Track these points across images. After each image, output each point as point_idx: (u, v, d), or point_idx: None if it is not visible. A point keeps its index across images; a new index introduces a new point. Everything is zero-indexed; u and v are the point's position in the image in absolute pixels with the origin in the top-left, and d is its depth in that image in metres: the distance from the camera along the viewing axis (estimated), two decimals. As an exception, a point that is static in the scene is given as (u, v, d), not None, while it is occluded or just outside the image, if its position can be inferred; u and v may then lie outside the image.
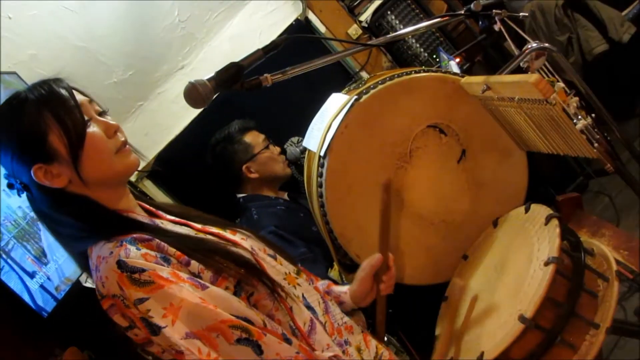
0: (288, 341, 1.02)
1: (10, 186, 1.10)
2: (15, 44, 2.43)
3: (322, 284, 1.37)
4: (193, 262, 1.02)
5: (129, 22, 2.61)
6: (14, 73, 2.25)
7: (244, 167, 2.33)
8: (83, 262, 1.08)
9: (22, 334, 1.31)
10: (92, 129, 1.07)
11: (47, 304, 1.57)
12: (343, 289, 1.37)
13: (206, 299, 0.97)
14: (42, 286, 1.56)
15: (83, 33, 2.54)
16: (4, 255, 1.45)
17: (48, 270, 1.60)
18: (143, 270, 0.96)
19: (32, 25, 2.44)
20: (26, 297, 1.50)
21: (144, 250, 0.99)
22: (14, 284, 1.48)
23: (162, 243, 1.02)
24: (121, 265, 0.96)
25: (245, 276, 1.06)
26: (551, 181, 2.73)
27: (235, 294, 1.03)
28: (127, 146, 1.12)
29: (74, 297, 1.03)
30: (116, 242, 1.01)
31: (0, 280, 1.35)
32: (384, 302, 1.32)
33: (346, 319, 1.23)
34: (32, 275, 1.54)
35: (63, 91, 1.07)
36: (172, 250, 1.02)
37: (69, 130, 1.04)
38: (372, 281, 1.31)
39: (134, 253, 0.98)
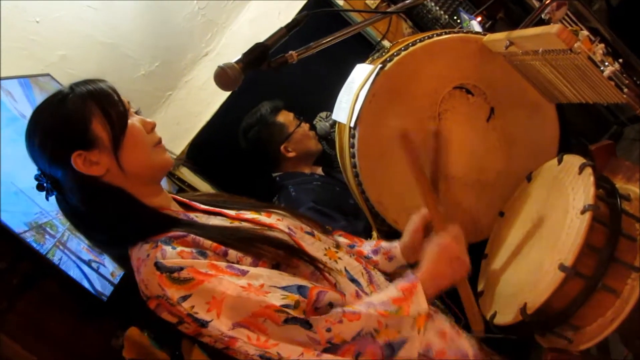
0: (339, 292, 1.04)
1: (40, 187, 1.11)
2: (44, 46, 2.49)
3: (368, 243, 1.39)
4: (230, 251, 1.04)
5: (150, 15, 2.65)
6: (47, 75, 2.32)
7: (282, 147, 2.37)
8: (125, 263, 1.10)
9: (86, 318, 1.39)
10: (133, 120, 1.12)
11: (105, 289, 1.65)
12: (394, 244, 1.38)
13: (251, 282, 0.98)
14: (98, 272, 1.63)
15: (108, 30, 2.59)
16: (61, 247, 1.52)
17: (102, 258, 1.68)
18: (181, 269, 0.97)
19: (58, 27, 2.50)
20: (86, 284, 1.57)
21: (179, 248, 1.01)
22: (74, 273, 1.54)
23: (197, 237, 1.04)
24: (159, 266, 0.98)
25: (285, 257, 1.08)
26: (585, 132, 2.69)
27: None
28: (162, 143, 1.16)
29: (129, 281, 1.08)
30: (152, 243, 1.03)
31: (61, 270, 1.43)
32: (467, 286, 1.27)
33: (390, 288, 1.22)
34: (88, 263, 1.62)
35: (105, 87, 1.12)
36: (207, 243, 1.04)
37: (111, 118, 1.08)
38: (423, 233, 1.32)
39: (170, 253, 1.00)
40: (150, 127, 1.14)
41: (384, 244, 1.41)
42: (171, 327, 1.01)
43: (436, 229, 1.27)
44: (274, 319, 0.96)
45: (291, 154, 2.38)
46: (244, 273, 1.00)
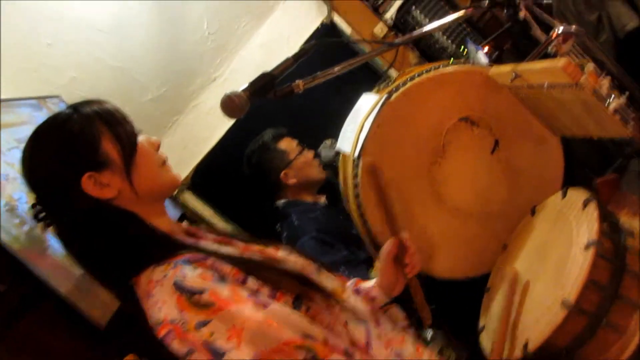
0: (350, 356, 0.98)
1: (36, 218, 1.04)
2: (55, 68, 2.53)
3: (350, 283, 1.34)
4: (250, 279, 0.99)
5: (160, 38, 2.68)
6: (57, 96, 2.35)
7: (282, 173, 2.36)
8: (128, 294, 1.03)
9: (82, 345, 1.37)
10: (140, 139, 1.09)
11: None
12: (370, 284, 1.34)
13: (269, 317, 0.93)
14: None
15: (117, 53, 2.62)
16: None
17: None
18: (202, 291, 0.91)
19: (69, 50, 2.53)
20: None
21: (200, 270, 0.95)
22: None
23: (217, 261, 0.99)
24: (179, 286, 0.92)
25: (302, 289, 1.04)
26: (589, 164, 2.68)
27: (294, 309, 1.00)
28: (168, 162, 1.14)
29: (126, 311, 1.06)
30: (168, 264, 0.97)
31: (63, 298, 1.42)
32: (417, 284, 1.29)
33: (397, 330, 1.20)
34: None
35: (110, 106, 1.09)
36: (227, 268, 0.98)
37: (121, 138, 1.05)
38: (395, 267, 1.28)
39: (191, 273, 0.94)
40: (157, 146, 1.12)
41: (362, 285, 1.36)
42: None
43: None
44: (291, 358, 0.91)
45: (292, 181, 2.37)
46: (266, 305, 0.95)
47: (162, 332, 0.93)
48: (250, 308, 0.92)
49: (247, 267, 1.01)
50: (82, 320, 1.40)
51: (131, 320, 1.02)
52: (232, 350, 0.89)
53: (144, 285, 0.99)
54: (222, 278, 0.96)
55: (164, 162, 1.12)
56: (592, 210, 1.22)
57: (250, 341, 0.90)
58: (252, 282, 0.99)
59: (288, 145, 2.41)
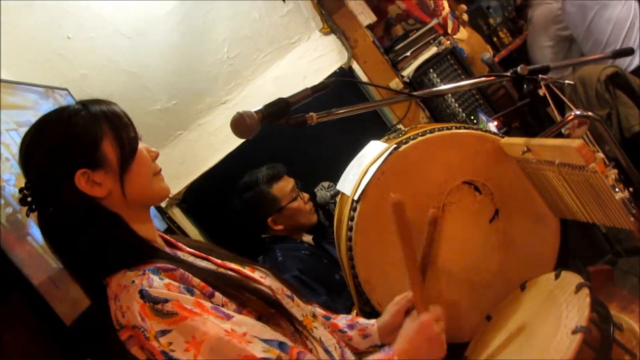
0: None
1: (23, 201, 1.06)
2: (69, 62, 2.54)
3: (344, 317, 1.36)
4: (217, 294, 1.01)
5: (179, 53, 2.70)
6: (66, 89, 2.34)
7: (269, 219, 2.33)
8: (98, 292, 1.04)
9: (45, 340, 1.32)
10: (140, 146, 1.11)
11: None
12: (371, 321, 1.36)
13: (234, 328, 0.94)
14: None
15: (134, 59, 2.64)
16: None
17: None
18: (166, 301, 0.93)
19: (87, 47, 2.55)
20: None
21: (167, 280, 0.97)
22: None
23: (186, 273, 1.01)
24: (144, 295, 0.94)
25: (269, 312, 1.05)
26: (579, 254, 2.68)
27: None
28: (162, 174, 1.16)
29: (96, 311, 1.03)
30: (138, 270, 0.99)
31: (34, 288, 1.36)
32: None
33: None
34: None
35: (118, 109, 1.11)
36: (196, 281, 1.01)
37: (123, 141, 1.07)
38: (403, 316, 1.28)
39: (157, 282, 0.96)
40: (154, 156, 1.14)
41: (361, 320, 1.38)
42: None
43: (418, 309, 1.23)
44: None
45: (278, 227, 2.33)
46: (228, 317, 0.96)
47: (123, 337, 0.96)
48: (213, 321, 0.94)
49: (217, 283, 1.03)
50: (48, 314, 1.35)
51: (97, 323, 0.99)
52: None
53: (114, 287, 1.01)
54: (189, 290, 0.98)
55: (157, 172, 1.14)
56: (585, 296, 1.20)
57: (208, 353, 0.91)
58: (218, 297, 1.01)
59: (282, 189, 2.36)
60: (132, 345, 0.96)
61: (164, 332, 0.91)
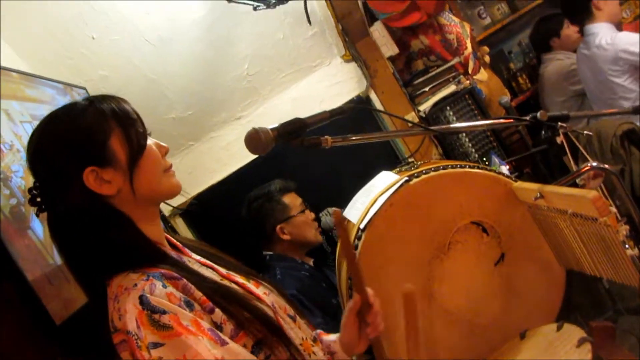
0: None
1: (32, 202, 1.04)
2: (90, 62, 2.55)
3: (314, 333, 1.29)
4: (217, 310, 0.99)
5: (200, 64, 2.71)
6: (84, 89, 2.35)
7: (278, 227, 2.33)
8: (98, 292, 1.02)
9: (34, 335, 1.29)
10: (149, 142, 1.09)
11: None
12: (332, 338, 1.29)
13: (225, 356, 0.92)
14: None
15: (155, 66, 2.65)
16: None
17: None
18: (164, 312, 0.92)
19: (110, 49, 2.56)
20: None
21: (169, 289, 0.95)
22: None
23: (190, 285, 0.99)
24: (143, 301, 0.92)
25: (267, 336, 1.02)
26: (580, 309, 2.65)
27: (252, 353, 0.99)
28: (172, 169, 1.13)
29: (91, 311, 1.02)
30: (142, 274, 0.97)
31: (27, 282, 1.34)
32: (381, 346, 1.21)
33: None
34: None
35: (126, 105, 1.10)
36: (198, 294, 0.99)
37: (131, 137, 1.05)
38: (358, 325, 1.20)
39: (160, 290, 0.94)
40: (165, 152, 1.12)
41: (325, 337, 1.31)
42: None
43: None
44: None
45: (286, 237, 2.34)
46: (223, 343, 0.94)
47: (116, 340, 0.94)
48: (207, 343, 0.92)
49: (219, 299, 1.00)
50: (39, 310, 1.33)
51: (88, 326, 0.97)
52: None
53: (114, 287, 0.99)
54: (189, 303, 0.96)
55: (168, 168, 1.12)
56: (586, 352, 1.18)
57: None
58: (218, 314, 0.99)
59: (292, 200, 2.40)
60: (123, 350, 0.93)
61: (156, 345, 0.89)
